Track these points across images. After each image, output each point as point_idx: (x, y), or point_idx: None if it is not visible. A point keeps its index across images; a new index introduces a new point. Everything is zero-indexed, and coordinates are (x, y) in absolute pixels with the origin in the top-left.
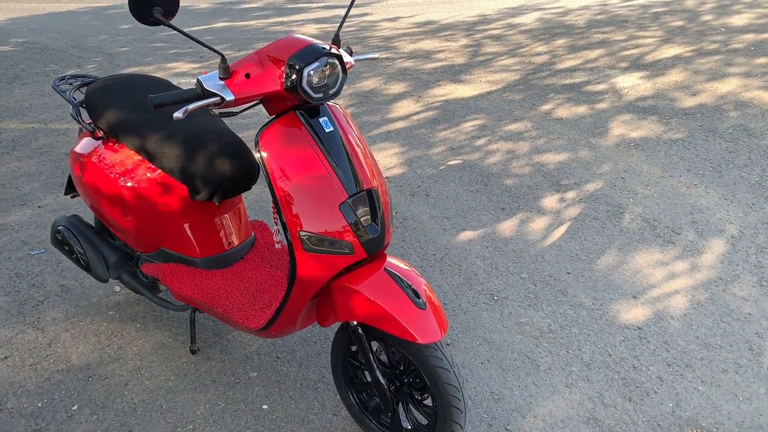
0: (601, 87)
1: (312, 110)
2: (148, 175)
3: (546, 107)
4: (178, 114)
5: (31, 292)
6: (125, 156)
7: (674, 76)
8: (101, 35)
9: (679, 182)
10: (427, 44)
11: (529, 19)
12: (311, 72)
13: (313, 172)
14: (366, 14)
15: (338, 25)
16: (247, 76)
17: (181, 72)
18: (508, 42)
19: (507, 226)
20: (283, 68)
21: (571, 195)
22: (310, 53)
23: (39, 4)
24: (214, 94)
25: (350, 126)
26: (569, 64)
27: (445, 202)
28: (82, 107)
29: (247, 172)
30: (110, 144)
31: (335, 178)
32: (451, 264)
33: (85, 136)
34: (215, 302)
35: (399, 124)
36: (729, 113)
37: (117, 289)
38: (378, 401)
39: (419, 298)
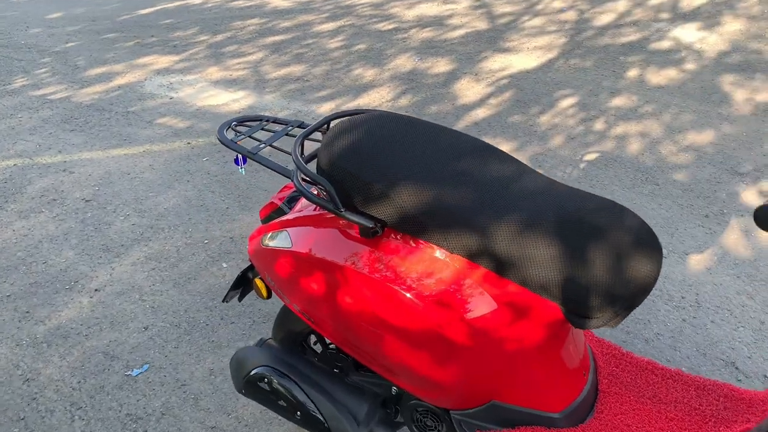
0: (666, 44)
1: None
2: (488, 292)
3: (631, 74)
4: None
5: None
6: (430, 262)
7: (733, 25)
8: (29, 28)
9: None
10: (427, 8)
11: None
12: None
13: None
14: None
15: None
16: None
17: (163, 68)
18: None
19: (735, 242)
20: None
21: None
22: None
23: None
24: None
25: None
26: (606, 19)
27: None
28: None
29: (658, 272)
30: (391, 241)
31: None
32: (716, 310)
33: (302, 224)
34: None
35: (481, 112)
36: None
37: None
38: None
39: None
